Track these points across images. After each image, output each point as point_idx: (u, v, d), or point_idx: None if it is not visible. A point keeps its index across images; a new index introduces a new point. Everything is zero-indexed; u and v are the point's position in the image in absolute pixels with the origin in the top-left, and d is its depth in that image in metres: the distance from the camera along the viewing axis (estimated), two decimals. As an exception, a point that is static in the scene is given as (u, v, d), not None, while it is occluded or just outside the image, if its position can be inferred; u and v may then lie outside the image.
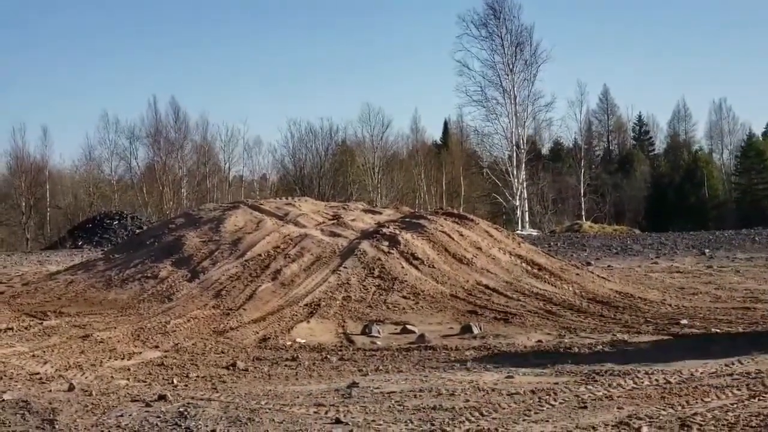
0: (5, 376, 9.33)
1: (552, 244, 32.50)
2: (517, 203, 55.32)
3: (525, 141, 57.62)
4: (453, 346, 10.96)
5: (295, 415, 7.34)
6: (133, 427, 7.04)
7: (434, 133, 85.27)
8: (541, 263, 17.01)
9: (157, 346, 11.37)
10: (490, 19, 57.83)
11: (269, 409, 7.58)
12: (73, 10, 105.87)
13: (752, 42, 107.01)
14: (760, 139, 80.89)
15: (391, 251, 16.32)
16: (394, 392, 8.13)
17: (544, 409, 7.30)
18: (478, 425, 6.84)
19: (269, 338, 11.87)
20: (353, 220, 18.72)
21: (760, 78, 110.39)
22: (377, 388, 8.38)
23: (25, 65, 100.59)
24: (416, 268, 15.83)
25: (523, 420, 6.99)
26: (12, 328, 12.62)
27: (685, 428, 6.59)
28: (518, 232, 41.40)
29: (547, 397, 7.67)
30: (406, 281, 15.18)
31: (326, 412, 7.40)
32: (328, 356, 10.52)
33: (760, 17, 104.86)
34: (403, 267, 15.77)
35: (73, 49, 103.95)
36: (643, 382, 8.21)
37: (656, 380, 8.29)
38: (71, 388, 8.52)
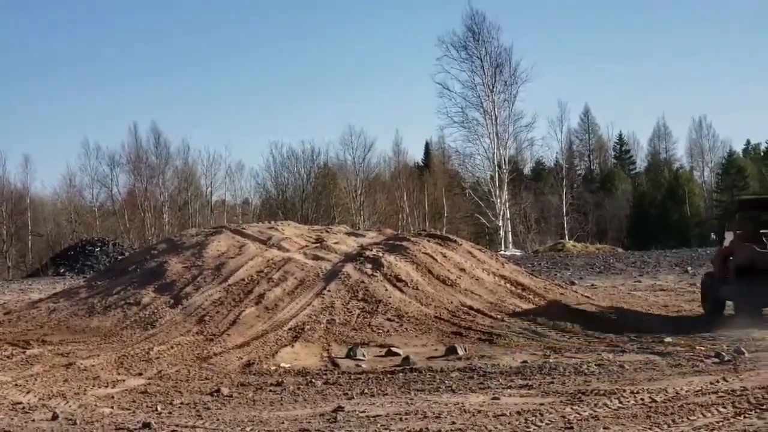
0: (-13, 406, 9.23)
1: (535, 263, 32.56)
2: (500, 223, 55.37)
3: (507, 161, 57.74)
4: (438, 368, 10.94)
5: (281, 441, 7.30)
6: (117, 456, 6.98)
7: (416, 155, 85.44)
8: (524, 283, 17.04)
9: (140, 374, 11.30)
10: (470, 40, 57.99)
11: (254, 435, 7.54)
12: (52, 38, 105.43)
13: (731, 59, 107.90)
14: (741, 156, 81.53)
15: (375, 274, 16.30)
16: (379, 416, 8.10)
17: (531, 430, 7.28)
18: (464, 448, 6.82)
19: (253, 363, 11.81)
20: (336, 243, 18.69)
21: (740, 95, 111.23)
22: (363, 411, 8.35)
23: (4, 94, 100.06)
24: (400, 290, 15.81)
25: (510, 442, 6.98)
26: (-6, 358, 12.52)
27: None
28: (501, 252, 41.40)
29: (534, 418, 7.66)
30: (390, 304, 15.16)
31: (312, 438, 7.36)
32: (313, 380, 10.48)
33: (738, 35, 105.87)
34: (386, 289, 15.75)
35: (52, 77, 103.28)
36: (629, 402, 8.22)
37: (642, 399, 8.30)
38: (55, 417, 8.45)
